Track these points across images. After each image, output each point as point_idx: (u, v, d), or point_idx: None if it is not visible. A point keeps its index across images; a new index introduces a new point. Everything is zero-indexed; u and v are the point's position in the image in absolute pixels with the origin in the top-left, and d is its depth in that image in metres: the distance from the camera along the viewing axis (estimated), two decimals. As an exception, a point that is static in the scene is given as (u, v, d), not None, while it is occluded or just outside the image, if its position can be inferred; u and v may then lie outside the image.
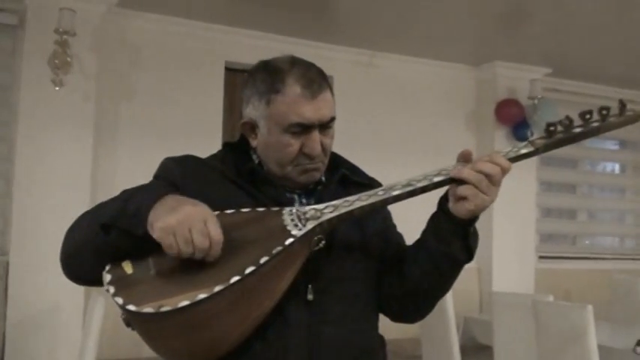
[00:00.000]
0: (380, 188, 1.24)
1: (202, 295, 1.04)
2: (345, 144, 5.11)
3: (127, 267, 1.13)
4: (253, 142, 1.36)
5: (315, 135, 1.29)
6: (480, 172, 1.18)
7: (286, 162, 1.31)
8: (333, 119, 1.33)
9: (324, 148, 1.32)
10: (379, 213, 1.43)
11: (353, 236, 1.34)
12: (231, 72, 5.02)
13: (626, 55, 5.57)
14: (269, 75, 1.31)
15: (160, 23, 4.80)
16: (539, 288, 5.74)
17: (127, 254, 1.16)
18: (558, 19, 4.75)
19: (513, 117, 5.70)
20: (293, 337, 1.21)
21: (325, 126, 1.31)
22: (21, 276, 4.02)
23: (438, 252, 1.26)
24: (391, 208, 1.48)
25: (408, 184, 1.22)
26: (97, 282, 1.18)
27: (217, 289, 1.05)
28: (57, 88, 4.11)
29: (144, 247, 1.13)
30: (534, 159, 6.02)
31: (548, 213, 6.62)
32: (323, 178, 1.39)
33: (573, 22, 4.82)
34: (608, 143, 7.07)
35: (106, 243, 1.16)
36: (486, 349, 4.17)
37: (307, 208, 1.23)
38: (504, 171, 1.20)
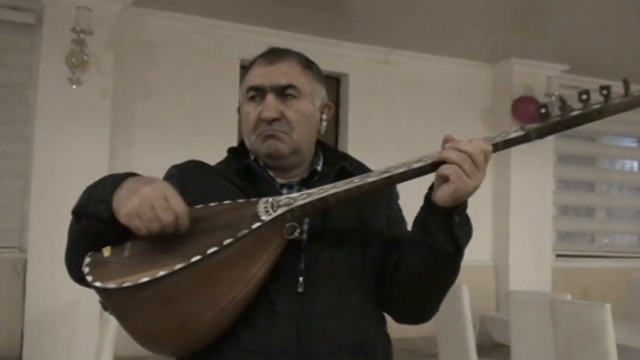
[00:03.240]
0: (357, 176, 1.19)
1: (162, 272, 1.07)
2: (360, 141, 5.17)
3: (106, 251, 1.17)
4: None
5: (268, 99, 1.30)
6: (462, 151, 1.12)
7: (250, 131, 1.32)
8: (290, 86, 1.31)
9: (285, 117, 1.30)
10: (383, 209, 1.38)
11: (349, 230, 1.31)
12: (246, 69, 5.03)
13: (645, 51, 5.51)
14: None
15: (175, 21, 4.82)
16: (556, 286, 5.70)
17: (109, 242, 1.18)
18: (575, 15, 4.71)
19: (530, 114, 5.65)
20: (281, 328, 1.20)
21: (282, 93, 1.30)
22: (39, 273, 4.05)
23: (424, 244, 1.20)
24: (403, 206, 1.44)
25: (386, 171, 1.17)
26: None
27: (177, 266, 1.08)
28: (74, 87, 4.14)
29: (124, 233, 1.16)
30: (551, 157, 6.00)
31: (566, 211, 6.57)
32: (318, 168, 1.38)
33: (590, 19, 4.78)
34: (626, 140, 7.00)
35: (81, 230, 1.20)
36: (503, 348, 4.14)
37: (283, 196, 1.21)
38: (484, 152, 1.13)
